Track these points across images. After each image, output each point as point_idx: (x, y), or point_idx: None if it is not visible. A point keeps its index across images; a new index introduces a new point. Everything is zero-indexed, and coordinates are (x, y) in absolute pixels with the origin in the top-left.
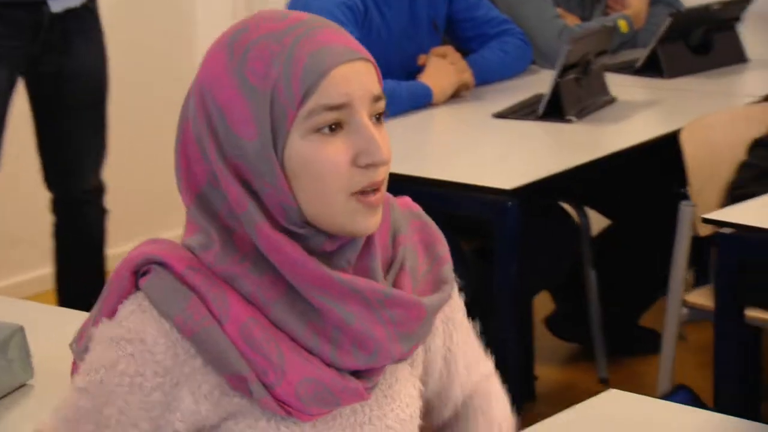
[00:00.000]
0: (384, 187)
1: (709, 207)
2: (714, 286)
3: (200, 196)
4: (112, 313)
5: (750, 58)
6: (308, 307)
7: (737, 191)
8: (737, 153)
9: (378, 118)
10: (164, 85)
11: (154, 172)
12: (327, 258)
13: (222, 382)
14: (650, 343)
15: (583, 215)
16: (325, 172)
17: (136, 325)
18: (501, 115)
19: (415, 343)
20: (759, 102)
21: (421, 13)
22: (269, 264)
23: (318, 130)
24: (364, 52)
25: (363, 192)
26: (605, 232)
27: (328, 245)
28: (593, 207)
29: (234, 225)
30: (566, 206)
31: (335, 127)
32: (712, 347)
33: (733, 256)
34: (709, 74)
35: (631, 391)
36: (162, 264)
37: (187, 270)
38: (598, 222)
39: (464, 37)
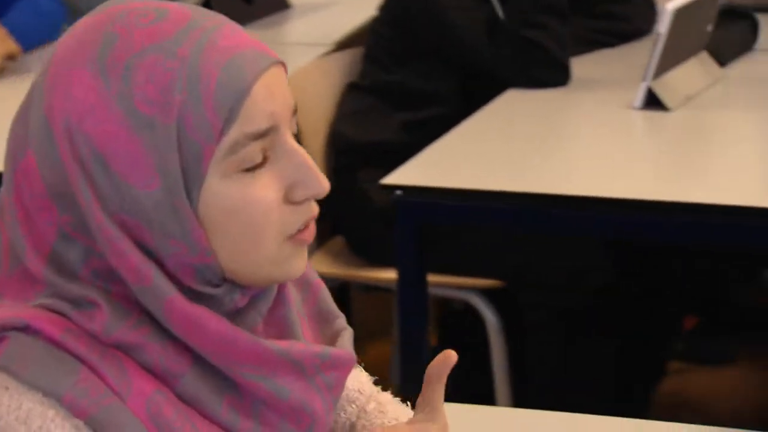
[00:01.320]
0: None
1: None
2: (396, 255)
3: (52, 256)
4: None
5: (291, 4)
6: (224, 379)
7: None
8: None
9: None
10: None
11: None
12: (237, 316)
13: None
14: None
15: None
16: (256, 217)
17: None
18: None
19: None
20: (338, 49)
21: None
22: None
23: (241, 165)
24: (274, 53)
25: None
26: None
27: (240, 300)
28: None
29: (108, 287)
30: None
31: (259, 159)
32: None
33: (412, 221)
34: (259, 24)
35: None
36: (24, 329)
37: (65, 334)
38: None
39: None
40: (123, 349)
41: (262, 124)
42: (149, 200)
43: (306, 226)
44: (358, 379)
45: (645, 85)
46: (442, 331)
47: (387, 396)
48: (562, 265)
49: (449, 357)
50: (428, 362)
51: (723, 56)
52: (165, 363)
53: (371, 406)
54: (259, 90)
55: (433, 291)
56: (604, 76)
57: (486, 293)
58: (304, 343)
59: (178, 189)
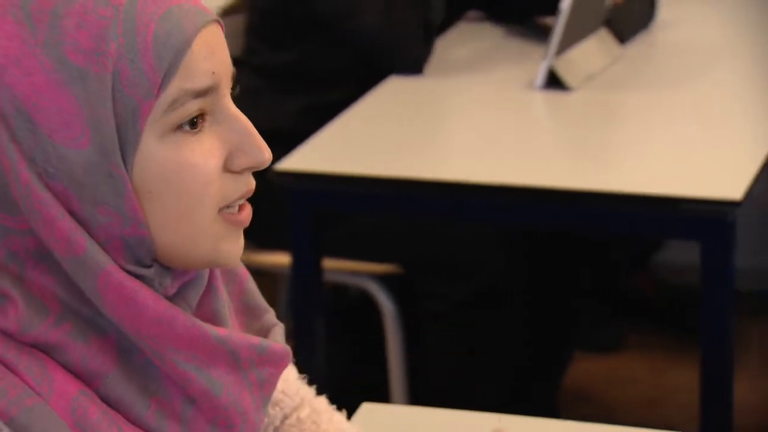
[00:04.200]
0: None
1: None
2: (291, 242)
3: None
4: None
5: None
6: (150, 377)
7: None
8: None
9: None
10: None
11: None
12: None
13: None
14: None
15: None
16: (194, 184)
17: None
18: None
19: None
20: (223, 15)
21: None
22: (96, 323)
23: (180, 126)
24: (211, 11)
25: (229, 206)
26: None
27: (170, 287)
28: None
29: (24, 272)
30: None
31: (197, 120)
32: None
33: (304, 207)
34: None
35: None
36: None
37: None
38: None
39: None
40: (42, 349)
41: (202, 82)
42: (79, 160)
43: (242, 207)
44: (284, 378)
45: (546, 65)
46: (335, 320)
47: (323, 402)
48: (458, 253)
49: None
50: (321, 351)
51: (622, 33)
52: (87, 363)
53: (305, 412)
54: (199, 46)
55: (328, 276)
56: (503, 53)
57: (384, 280)
58: (243, 333)
59: (112, 148)
